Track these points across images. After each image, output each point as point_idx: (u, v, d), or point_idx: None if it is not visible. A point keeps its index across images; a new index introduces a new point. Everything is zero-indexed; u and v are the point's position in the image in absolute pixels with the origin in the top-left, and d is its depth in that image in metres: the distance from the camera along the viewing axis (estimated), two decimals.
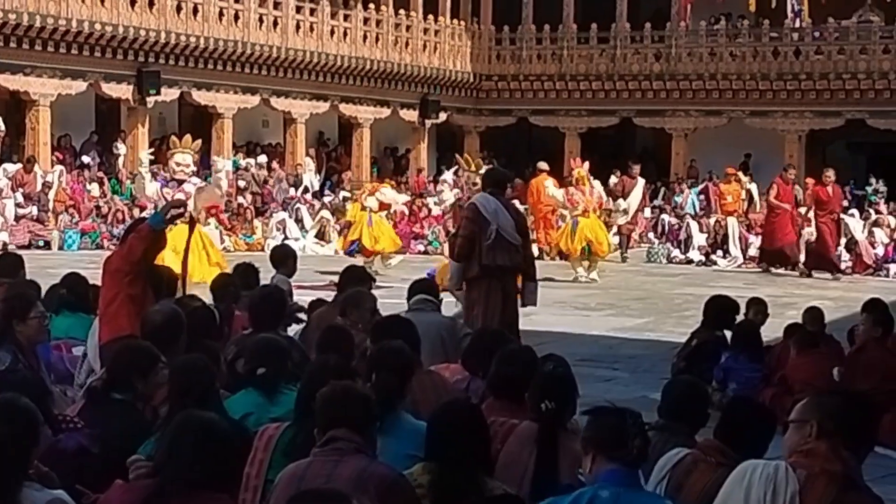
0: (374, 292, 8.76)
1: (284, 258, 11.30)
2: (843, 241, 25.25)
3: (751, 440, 5.12)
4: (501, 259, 10.16)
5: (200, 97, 29.93)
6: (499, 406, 5.79)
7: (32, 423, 4.29)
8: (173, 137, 20.24)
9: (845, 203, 30.18)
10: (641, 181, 26.08)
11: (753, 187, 31.21)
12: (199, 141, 19.60)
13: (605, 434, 4.51)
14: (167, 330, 6.62)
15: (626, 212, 25.41)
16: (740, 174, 28.88)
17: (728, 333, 10.60)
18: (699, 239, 27.18)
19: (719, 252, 26.54)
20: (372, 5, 33.83)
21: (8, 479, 4.10)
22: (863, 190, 33.42)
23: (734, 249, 26.42)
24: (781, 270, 23.78)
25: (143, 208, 25.39)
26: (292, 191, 30.21)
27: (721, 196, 27.88)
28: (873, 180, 33.38)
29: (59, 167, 26.80)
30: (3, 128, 26.07)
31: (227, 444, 4.38)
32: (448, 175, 22.55)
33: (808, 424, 4.27)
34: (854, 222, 25.85)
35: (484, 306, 10.09)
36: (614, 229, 25.78)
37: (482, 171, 20.73)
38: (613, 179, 29.91)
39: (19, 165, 26.02)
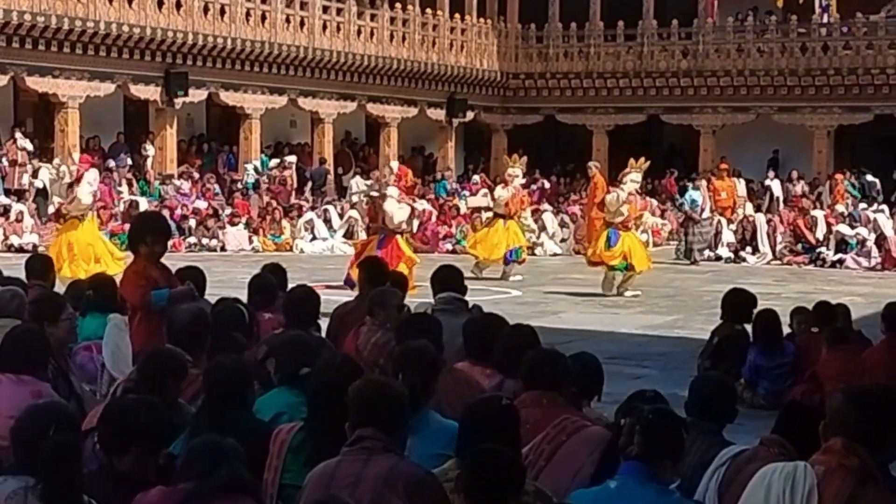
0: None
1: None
2: (872, 236, 25.13)
3: (809, 441, 5.10)
4: None
5: (228, 98, 30.02)
6: (530, 400, 5.75)
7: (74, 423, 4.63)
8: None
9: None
10: None
11: (776, 184, 31.06)
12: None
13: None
14: (193, 329, 6.63)
15: None
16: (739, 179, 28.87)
17: (748, 327, 10.54)
18: (727, 235, 27.07)
19: (748, 249, 26.46)
20: (398, 4, 33.87)
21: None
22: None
23: (763, 246, 26.34)
24: None
25: (171, 209, 25.53)
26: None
27: (716, 192, 27.77)
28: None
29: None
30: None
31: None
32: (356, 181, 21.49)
33: (822, 425, 4.35)
34: (883, 218, 25.71)
35: None
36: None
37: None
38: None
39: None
